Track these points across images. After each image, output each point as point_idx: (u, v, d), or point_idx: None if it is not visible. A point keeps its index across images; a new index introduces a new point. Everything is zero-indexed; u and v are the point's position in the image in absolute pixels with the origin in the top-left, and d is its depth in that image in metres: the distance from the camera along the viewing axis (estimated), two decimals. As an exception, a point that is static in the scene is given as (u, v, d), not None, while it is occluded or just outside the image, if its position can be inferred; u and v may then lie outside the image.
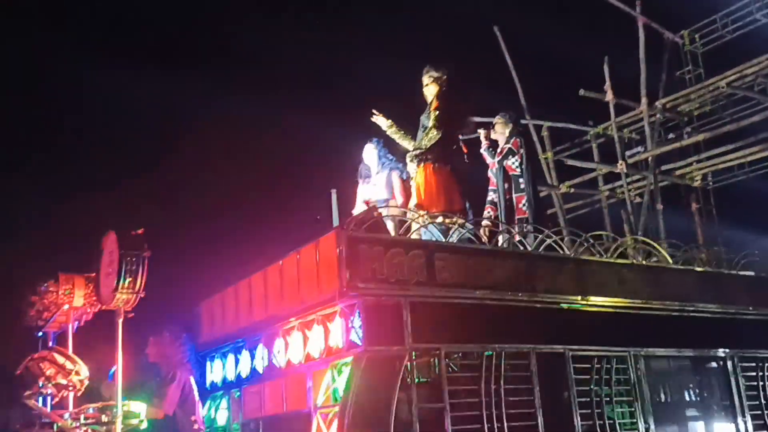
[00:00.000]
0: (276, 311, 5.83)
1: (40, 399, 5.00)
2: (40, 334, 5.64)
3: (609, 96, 12.28)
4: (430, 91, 7.23)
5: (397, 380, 4.87)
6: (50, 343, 5.57)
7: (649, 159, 12.31)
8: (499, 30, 12.86)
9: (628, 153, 12.56)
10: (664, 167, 12.47)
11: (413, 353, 5.06)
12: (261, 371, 6.07)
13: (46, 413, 5.01)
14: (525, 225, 7.03)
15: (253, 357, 6.22)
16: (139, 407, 4.92)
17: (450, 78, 7.23)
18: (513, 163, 7.55)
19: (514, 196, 7.47)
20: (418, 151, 6.97)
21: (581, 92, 12.18)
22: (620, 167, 11.77)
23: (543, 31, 14.12)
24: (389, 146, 7.60)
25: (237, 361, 6.53)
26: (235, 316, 6.56)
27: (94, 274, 5.21)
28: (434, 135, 6.89)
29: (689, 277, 7.11)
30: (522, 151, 7.53)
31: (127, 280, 4.66)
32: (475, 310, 5.45)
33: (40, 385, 4.87)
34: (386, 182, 7.33)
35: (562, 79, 13.23)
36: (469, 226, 6.35)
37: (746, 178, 12.65)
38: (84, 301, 5.27)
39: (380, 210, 6.46)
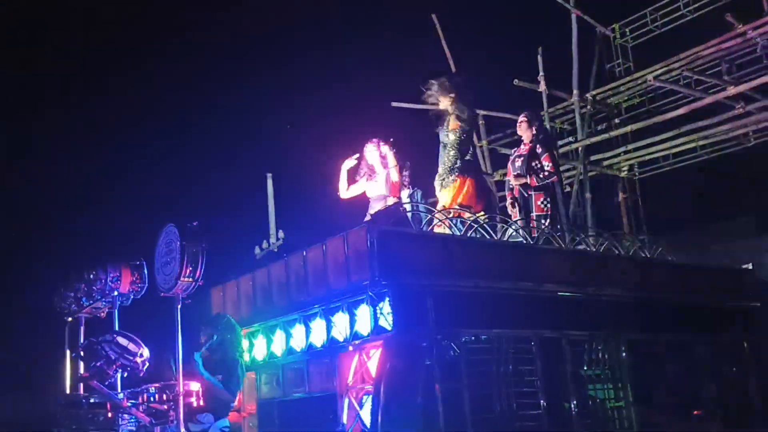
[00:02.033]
0: (298, 298, 6.09)
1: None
2: (69, 319, 6.07)
3: (542, 86, 12.52)
4: (442, 103, 7.85)
5: (422, 362, 5.29)
6: (81, 328, 6.04)
7: (579, 149, 12.63)
8: (436, 17, 12.93)
9: (559, 143, 12.83)
10: (593, 157, 12.82)
11: (436, 338, 5.43)
12: (279, 355, 6.32)
13: (106, 392, 5.35)
14: (543, 222, 7.41)
15: (270, 342, 6.47)
16: (196, 387, 5.36)
17: (457, 89, 7.82)
18: (537, 166, 7.80)
19: (533, 193, 7.76)
20: (449, 170, 7.63)
21: (515, 82, 12.38)
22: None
23: (480, 20, 14.27)
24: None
25: (252, 346, 6.74)
26: (252, 304, 6.76)
27: (139, 263, 5.68)
28: (453, 155, 7.56)
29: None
30: (549, 165, 7.77)
31: (189, 269, 5.06)
32: (488, 298, 5.85)
33: (99, 364, 5.23)
34: (386, 179, 7.72)
35: (498, 69, 13.40)
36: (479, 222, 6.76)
37: (671, 169, 13.12)
38: (129, 287, 5.75)
39: (378, 206, 7.18)
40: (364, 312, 5.50)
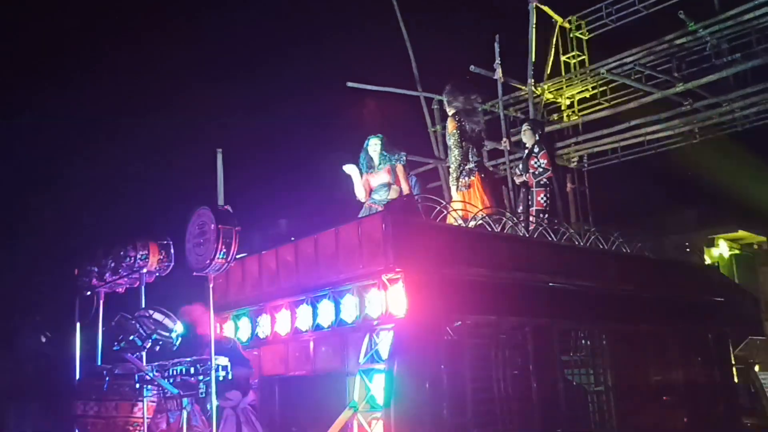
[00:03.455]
0: (307, 281, 6.32)
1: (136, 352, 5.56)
2: (88, 293, 6.30)
3: (498, 74, 12.58)
4: (449, 111, 8.34)
5: (431, 343, 5.60)
6: (101, 301, 6.28)
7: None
8: (396, 1, 12.86)
9: (512, 131, 12.95)
10: (544, 147, 12.97)
11: (446, 322, 5.74)
12: (284, 334, 6.51)
13: (139, 365, 5.61)
14: (542, 216, 7.83)
15: (274, 321, 6.66)
16: (224, 361, 5.55)
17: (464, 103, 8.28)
18: (536, 164, 8.35)
19: (534, 189, 8.27)
20: (457, 171, 8.06)
21: (472, 68, 12.41)
22: (504, 145, 12.10)
23: (440, 5, 14.25)
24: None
25: (254, 325, 6.90)
26: (258, 284, 6.96)
27: (166, 242, 5.96)
28: (457, 154, 7.97)
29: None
30: (546, 162, 8.31)
31: (223, 250, 5.29)
32: (489, 286, 6.16)
33: (132, 338, 5.48)
34: (389, 171, 7.99)
35: (455, 54, 13.42)
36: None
37: (618, 162, 13.38)
38: (157, 265, 6.02)
39: (375, 194, 7.64)
40: (374, 296, 5.77)
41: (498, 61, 12.53)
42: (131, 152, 12.13)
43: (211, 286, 5.45)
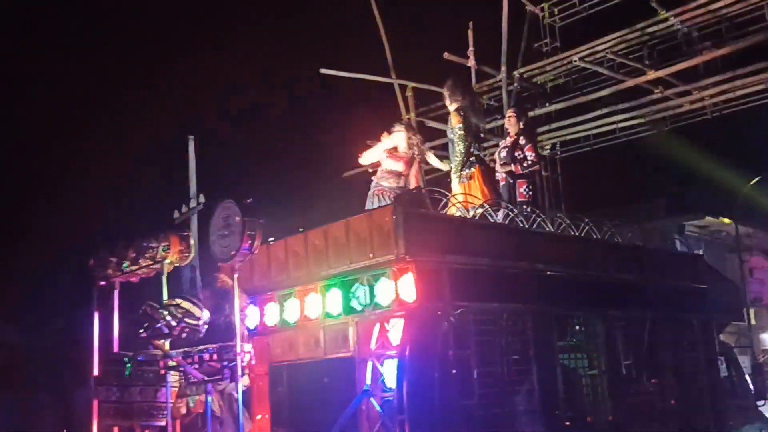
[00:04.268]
0: (318, 270, 6.49)
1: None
2: (102, 283, 6.60)
3: (471, 61, 12.57)
4: (450, 106, 8.48)
5: (439, 330, 5.84)
6: (115, 291, 6.57)
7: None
8: (369, -14, 12.76)
9: (486, 119, 12.96)
10: (518, 135, 12.99)
11: (451, 309, 5.95)
12: (292, 322, 6.66)
13: (166, 351, 5.89)
14: (525, 207, 7.90)
15: (283, 310, 6.79)
16: (248, 348, 5.95)
17: (466, 97, 8.48)
18: (520, 155, 8.46)
19: (517, 180, 8.43)
20: (461, 164, 8.19)
21: (445, 55, 12.39)
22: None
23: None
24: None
25: (262, 313, 7.00)
26: (267, 273, 7.08)
27: (186, 233, 6.38)
28: (461, 148, 8.13)
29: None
30: (532, 155, 8.48)
31: (248, 242, 5.54)
32: (492, 275, 6.43)
33: (158, 326, 5.73)
34: (408, 161, 8.24)
35: (429, 41, 13.39)
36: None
37: (590, 150, 13.48)
38: (178, 255, 6.30)
39: (383, 181, 7.96)
40: (384, 285, 5.95)
41: (471, 48, 12.55)
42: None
43: (236, 276, 5.73)
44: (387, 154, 8.27)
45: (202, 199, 12.33)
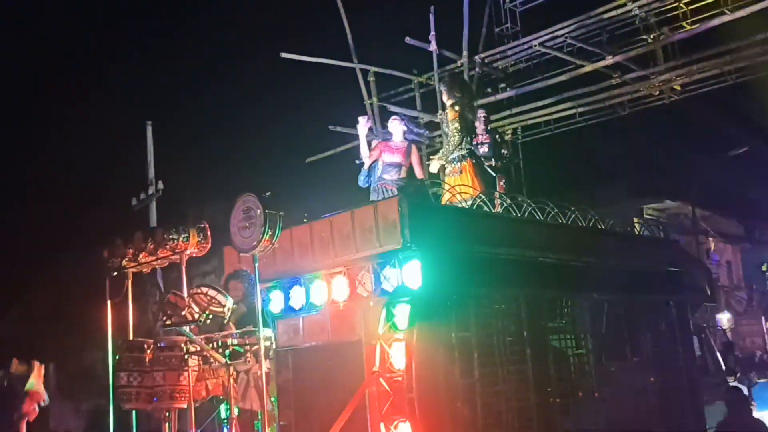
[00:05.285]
0: (323, 259, 6.71)
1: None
2: (115, 273, 6.84)
3: (433, 46, 12.56)
4: (447, 101, 8.86)
5: (444, 314, 6.22)
6: (129, 281, 6.83)
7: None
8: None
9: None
10: (479, 120, 13.03)
11: (454, 295, 6.34)
12: (298, 308, 6.90)
13: (193, 337, 6.24)
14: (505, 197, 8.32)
15: (288, 297, 7.01)
16: (269, 333, 6.38)
17: (465, 94, 8.86)
18: (486, 153, 9.20)
19: (497, 175, 9.10)
20: (455, 155, 8.63)
21: (407, 40, 12.35)
22: (440, 117, 12.12)
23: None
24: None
25: (268, 300, 7.15)
26: (274, 261, 7.08)
27: (203, 225, 6.47)
28: (455, 142, 8.59)
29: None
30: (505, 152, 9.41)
31: (269, 233, 5.85)
32: (488, 261, 6.70)
33: (183, 313, 6.03)
34: (405, 152, 8.74)
35: (390, 25, 13.34)
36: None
37: (551, 134, 13.60)
38: (197, 247, 6.49)
39: (385, 174, 8.41)
40: (390, 272, 6.25)
41: (432, 32, 12.53)
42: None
43: (257, 266, 6.07)
44: (384, 148, 8.68)
45: (160, 185, 12.27)
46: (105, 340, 6.69)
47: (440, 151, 8.94)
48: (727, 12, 11.21)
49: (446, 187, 8.22)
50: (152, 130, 11.98)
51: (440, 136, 10.78)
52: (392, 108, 13.35)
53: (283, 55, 12.64)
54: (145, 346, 6.34)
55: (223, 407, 6.66)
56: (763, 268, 18.22)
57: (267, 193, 6.06)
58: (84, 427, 12.56)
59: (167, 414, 6.30)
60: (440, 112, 11.86)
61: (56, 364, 12.06)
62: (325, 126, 13.69)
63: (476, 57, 12.89)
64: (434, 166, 9.03)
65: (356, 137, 14.07)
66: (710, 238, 22.34)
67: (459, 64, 12.89)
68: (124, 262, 6.85)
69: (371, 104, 13.40)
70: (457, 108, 8.71)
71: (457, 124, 8.64)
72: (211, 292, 6.33)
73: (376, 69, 13.42)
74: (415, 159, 8.84)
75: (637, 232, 9.38)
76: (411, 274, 6.11)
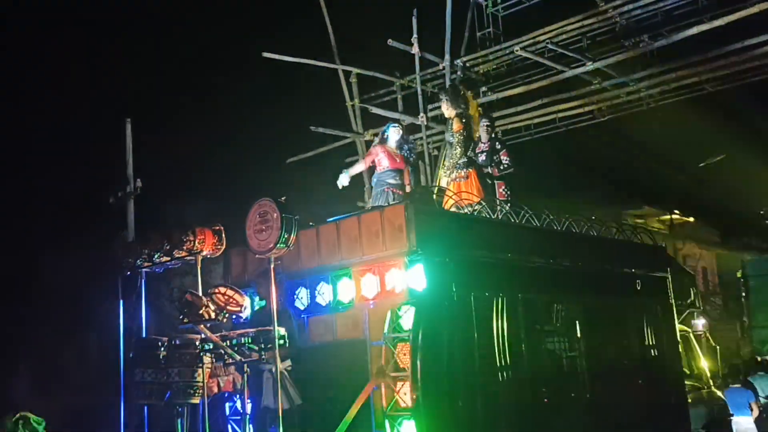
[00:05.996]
0: (330, 261, 6.93)
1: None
2: (129, 273, 7.03)
3: (415, 49, 12.58)
4: (447, 110, 9.18)
5: (447, 316, 6.42)
6: (142, 280, 7.02)
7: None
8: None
9: (429, 107, 13.01)
10: (460, 123, 13.07)
11: (457, 298, 6.53)
12: (303, 309, 7.11)
13: (210, 335, 6.40)
14: (506, 205, 8.49)
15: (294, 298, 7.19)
16: (284, 331, 6.36)
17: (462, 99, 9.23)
18: (497, 159, 9.33)
19: (496, 181, 9.33)
20: (459, 163, 8.97)
21: (390, 42, 12.36)
22: (421, 120, 12.15)
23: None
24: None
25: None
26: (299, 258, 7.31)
27: (218, 227, 6.65)
28: (460, 152, 8.94)
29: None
30: (507, 159, 9.34)
31: (285, 236, 5.99)
32: (489, 266, 7.01)
33: (200, 312, 6.19)
34: (403, 159, 8.85)
35: (373, 28, 13.35)
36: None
37: (531, 139, 13.69)
38: (212, 248, 6.65)
39: (390, 179, 8.56)
40: (395, 275, 6.48)
41: (415, 35, 12.54)
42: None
43: (272, 266, 6.23)
44: (386, 154, 8.79)
45: (139, 183, 12.13)
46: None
47: (444, 166, 9.32)
48: (705, 20, 11.37)
49: (449, 193, 8.49)
50: (131, 127, 11.86)
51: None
52: (374, 110, 13.39)
53: (265, 54, 12.60)
54: (159, 343, 6.55)
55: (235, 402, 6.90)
56: (738, 275, 18.45)
57: (282, 198, 6.25)
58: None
59: (179, 409, 6.50)
60: (421, 115, 11.93)
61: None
62: (307, 126, 13.69)
63: (458, 60, 12.94)
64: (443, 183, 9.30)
65: (337, 138, 14.13)
66: (687, 244, 22.64)
67: (441, 67, 12.91)
68: (138, 261, 7.00)
69: (353, 106, 13.41)
70: (464, 120, 9.10)
71: (461, 136, 8.99)
72: (229, 292, 6.53)
73: (359, 71, 13.42)
74: (407, 179, 8.93)
75: (626, 239, 9.58)
76: (416, 277, 6.34)
